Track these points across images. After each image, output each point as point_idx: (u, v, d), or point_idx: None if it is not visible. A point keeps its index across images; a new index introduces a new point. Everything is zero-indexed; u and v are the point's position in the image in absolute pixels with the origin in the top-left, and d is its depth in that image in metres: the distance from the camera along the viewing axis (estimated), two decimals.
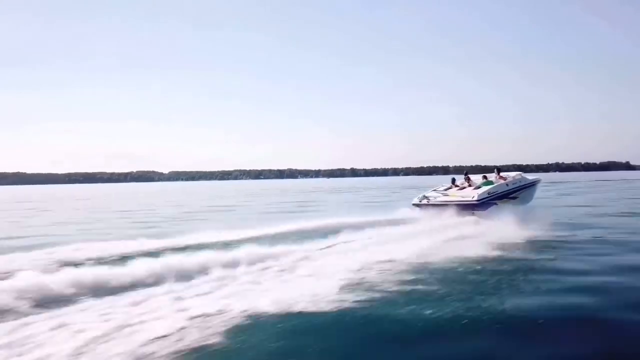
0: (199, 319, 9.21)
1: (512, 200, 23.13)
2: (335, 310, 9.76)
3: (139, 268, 12.96)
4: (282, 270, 13.28)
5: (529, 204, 25.03)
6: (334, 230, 20.35)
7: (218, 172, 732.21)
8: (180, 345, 8.02)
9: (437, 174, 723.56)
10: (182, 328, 8.72)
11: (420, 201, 23.41)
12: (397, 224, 21.55)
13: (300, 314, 9.74)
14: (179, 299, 10.63)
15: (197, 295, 10.99)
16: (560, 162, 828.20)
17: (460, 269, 13.38)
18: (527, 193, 24.53)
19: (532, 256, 15.21)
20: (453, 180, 25.23)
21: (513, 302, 10.37)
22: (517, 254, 15.03)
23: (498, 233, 17.55)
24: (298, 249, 16.26)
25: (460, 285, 11.72)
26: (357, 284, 11.73)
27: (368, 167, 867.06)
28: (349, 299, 10.25)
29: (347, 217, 23.92)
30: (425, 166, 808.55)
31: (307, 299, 10.38)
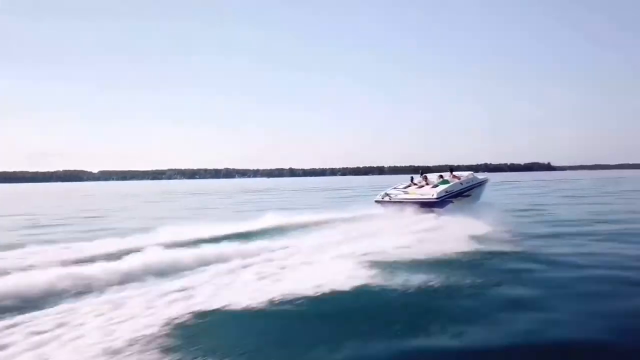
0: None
1: (465, 198, 25.31)
2: (344, 292, 10.98)
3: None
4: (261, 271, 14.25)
5: (479, 201, 27.39)
6: (301, 227, 21.49)
7: (151, 171, 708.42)
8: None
9: (372, 174, 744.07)
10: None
11: (382, 198, 24.93)
12: (365, 220, 23.01)
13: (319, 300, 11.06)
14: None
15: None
16: (489, 162, 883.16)
17: (442, 262, 15.05)
18: (478, 191, 26.82)
19: (503, 248, 17.30)
20: (412, 179, 27.06)
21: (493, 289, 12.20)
22: (490, 247, 16.94)
23: (463, 228, 19.44)
24: (278, 246, 17.08)
25: (445, 277, 13.34)
26: (349, 277, 12.98)
27: (307, 167, 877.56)
28: (345, 290, 11.50)
29: (314, 215, 25.06)
30: (361, 166, 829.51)
31: (312, 288, 11.48)
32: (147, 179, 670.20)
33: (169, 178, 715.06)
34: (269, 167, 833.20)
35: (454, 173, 26.14)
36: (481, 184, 27.08)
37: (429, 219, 22.34)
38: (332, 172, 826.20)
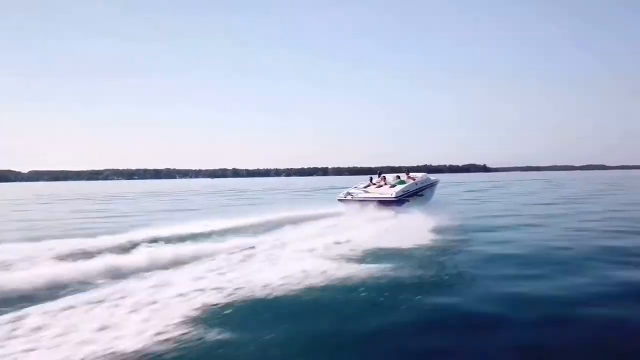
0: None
1: (419, 197, 28.00)
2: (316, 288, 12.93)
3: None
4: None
5: (431, 200, 30.25)
6: (278, 224, 23.32)
7: (87, 172, 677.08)
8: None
9: (317, 175, 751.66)
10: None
11: (344, 197, 27.14)
12: (331, 217, 25.15)
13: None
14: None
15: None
16: (429, 164, 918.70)
17: (405, 251, 17.48)
18: (430, 191, 29.65)
19: (453, 238, 20.16)
20: (371, 179, 29.47)
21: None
22: (444, 237, 19.69)
23: (418, 223, 22.05)
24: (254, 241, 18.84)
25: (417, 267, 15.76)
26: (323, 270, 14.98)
27: (251, 167, 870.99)
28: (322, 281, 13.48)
29: (284, 212, 26.89)
30: (305, 167, 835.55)
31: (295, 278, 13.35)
32: (83, 179, 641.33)
33: (106, 178, 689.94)
34: (211, 168, 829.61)
35: (410, 174, 28.84)
36: (433, 184, 29.95)
37: (389, 215, 24.87)
38: (277, 172, 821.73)
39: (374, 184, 29.65)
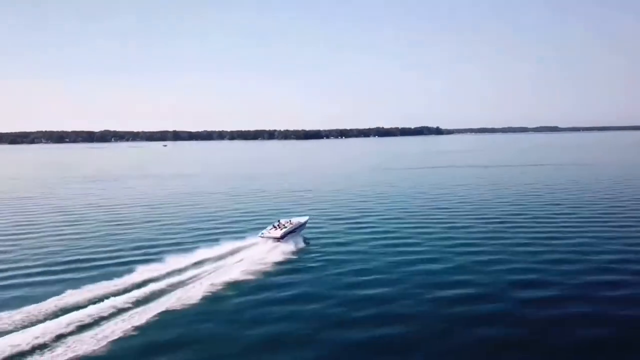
0: None
1: (293, 234, 55.41)
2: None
3: None
4: None
5: (302, 233, 57.93)
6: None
7: (10, 134, 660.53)
8: None
9: (262, 139, 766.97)
10: None
11: (262, 235, 53.06)
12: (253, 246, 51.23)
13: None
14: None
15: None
16: (381, 127, 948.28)
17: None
18: (300, 229, 56.07)
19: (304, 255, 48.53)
20: (278, 222, 55.85)
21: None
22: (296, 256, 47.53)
23: (285, 248, 48.38)
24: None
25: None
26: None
27: (192, 129, 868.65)
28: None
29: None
30: (252, 130, 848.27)
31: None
32: (4, 143, 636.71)
33: (32, 142, 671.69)
34: (150, 130, 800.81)
35: (291, 220, 56.46)
36: (303, 225, 56.76)
37: (275, 246, 51.45)
38: (220, 135, 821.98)
39: (275, 228, 56.15)
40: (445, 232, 52.69)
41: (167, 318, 29.36)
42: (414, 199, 78.86)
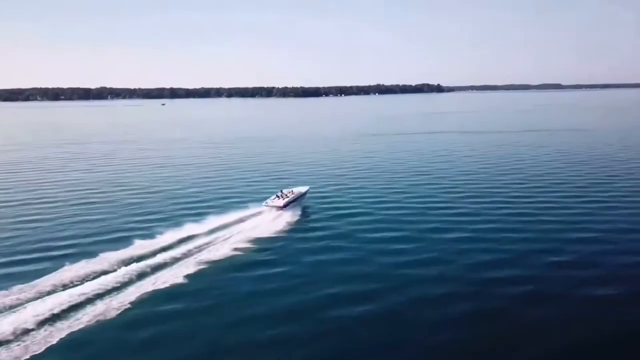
0: None
1: (295, 203, 59.26)
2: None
3: None
4: None
5: (303, 202, 61.83)
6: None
7: (4, 90, 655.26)
8: None
9: (260, 96, 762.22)
10: None
11: (266, 204, 57.17)
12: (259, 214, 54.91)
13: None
14: None
15: None
16: (381, 84, 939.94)
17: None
18: (302, 198, 60.20)
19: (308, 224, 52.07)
20: (281, 191, 59.66)
21: None
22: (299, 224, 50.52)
23: (288, 217, 52.56)
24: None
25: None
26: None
27: (189, 87, 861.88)
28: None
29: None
30: (250, 87, 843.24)
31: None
32: None
33: (27, 99, 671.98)
34: (147, 87, 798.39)
35: (292, 190, 60.16)
36: (304, 194, 60.52)
37: (279, 214, 54.83)
38: (218, 93, 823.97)
39: (279, 197, 59.91)
40: (403, 202, 57.12)
41: (183, 284, 32.69)
42: (398, 167, 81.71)
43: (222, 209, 52.24)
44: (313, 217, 52.59)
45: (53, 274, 33.68)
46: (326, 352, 25.47)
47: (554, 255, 37.67)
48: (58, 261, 36.51)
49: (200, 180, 71.23)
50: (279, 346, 25.52)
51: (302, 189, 58.17)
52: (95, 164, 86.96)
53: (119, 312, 28.47)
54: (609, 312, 28.46)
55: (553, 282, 32.81)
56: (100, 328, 26.91)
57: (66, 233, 45.13)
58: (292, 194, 55.96)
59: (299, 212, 52.77)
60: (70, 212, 53.12)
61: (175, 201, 57.97)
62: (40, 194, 62.83)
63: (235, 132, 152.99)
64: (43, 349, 24.90)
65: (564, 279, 33.34)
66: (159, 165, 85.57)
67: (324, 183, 67.98)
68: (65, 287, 31.96)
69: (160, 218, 49.73)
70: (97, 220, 49.62)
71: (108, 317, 28.00)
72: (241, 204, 54.41)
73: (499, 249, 39.22)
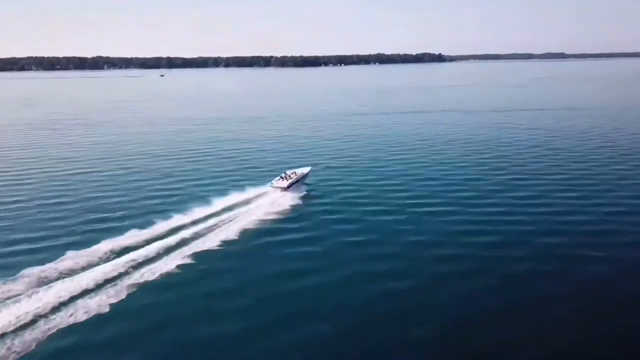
0: None
1: (298, 184, 62.70)
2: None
3: None
4: None
5: (306, 183, 65.27)
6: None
7: None
8: None
9: (258, 66, 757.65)
10: None
11: (271, 185, 60.32)
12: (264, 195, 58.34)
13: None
14: None
15: None
16: (381, 53, 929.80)
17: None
18: (304, 179, 63.12)
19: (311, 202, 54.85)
20: (285, 173, 63.01)
21: None
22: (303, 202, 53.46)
23: (292, 198, 55.68)
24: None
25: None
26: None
27: (187, 56, 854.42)
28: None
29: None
30: (248, 56, 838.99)
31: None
32: None
33: (22, 68, 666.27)
34: (144, 56, 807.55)
35: (295, 171, 63.37)
36: (306, 175, 63.36)
37: (283, 194, 58.19)
38: (215, 62, 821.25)
39: (282, 178, 62.79)
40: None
41: (201, 260, 35.71)
42: (390, 146, 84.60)
43: (226, 189, 55.03)
44: (315, 195, 56.38)
45: (54, 262, 35.00)
46: (343, 332, 27.76)
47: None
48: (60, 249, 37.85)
49: (202, 161, 74.04)
50: (298, 326, 28.18)
51: (305, 170, 61.14)
52: (94, 143, 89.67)
53: (144, 285, 31.58)
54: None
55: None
56: (120, 307, 29.34)
57: (69, 221, 46.28)
58: (295, 174, 59.04)
59: (302, 192, 56.07)
60: (78, 196, 54.96)
61: (179, 185, 60.37)
62: (45, 178, 64.51)
63: (234, 110, 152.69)
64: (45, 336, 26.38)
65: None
66: (160, 146, 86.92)
67: (323, 162, 70.88)
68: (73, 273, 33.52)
69: (170, 201, 52.25)
70: (101, 204, 51.51)
71: (125, 296, 30.51)
72: (246, 183, 57.74)
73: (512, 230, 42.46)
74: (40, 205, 51.40)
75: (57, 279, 32.36)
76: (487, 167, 66.59)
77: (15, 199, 54.10)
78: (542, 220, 44.75)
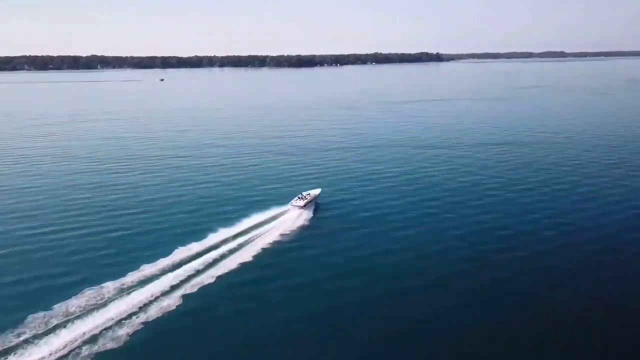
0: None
1: (311, 204, 76.29)
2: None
3: None
4: None
5: (317, 202, 78.11)
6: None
7: None
8: None
9: (253, 66, 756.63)
10: None
11: (291, 204, 73.94)
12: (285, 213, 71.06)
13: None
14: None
15: None
16: (379, 52, 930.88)
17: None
18: (317, 198, 77.31)
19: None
20: (301, 193, 76.10)
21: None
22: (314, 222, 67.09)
23: (306, 215, 68.84)
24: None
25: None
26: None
27: (182, 55, 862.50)
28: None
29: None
30: (243, 55, 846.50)
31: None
32: None
33: (14, 68, 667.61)
34: (139, 55, 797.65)
35: (310, 192, 77.35)
36: (317, 196, 74.02)
37: (301, 212, 70.92)
38: (210, 62, 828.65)
39: (300, 198, 73.72)
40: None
41: (247, 268, 46.02)
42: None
43: (255, 208, 66.22)
44: (327, 214, 67.90)
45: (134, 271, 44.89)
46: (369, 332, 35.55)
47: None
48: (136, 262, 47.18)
49: (226, 180, 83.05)
50: (332, 326, 36.35)
51: (316, 191, 73.73)
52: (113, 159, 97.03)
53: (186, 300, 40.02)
54: None
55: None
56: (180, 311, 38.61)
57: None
58: (310, 195, 72.99)
59: (313, 210, 67.99)
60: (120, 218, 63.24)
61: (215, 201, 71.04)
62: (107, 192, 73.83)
63: (240, 129, 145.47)
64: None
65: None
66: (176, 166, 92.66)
67: (332, 183, 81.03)
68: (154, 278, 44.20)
69: (215, 217, 63.04)
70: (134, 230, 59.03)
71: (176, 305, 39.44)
72: (267, 203, 68.78)
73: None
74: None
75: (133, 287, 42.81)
76: (504, 191, 74.15)
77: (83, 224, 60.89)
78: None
